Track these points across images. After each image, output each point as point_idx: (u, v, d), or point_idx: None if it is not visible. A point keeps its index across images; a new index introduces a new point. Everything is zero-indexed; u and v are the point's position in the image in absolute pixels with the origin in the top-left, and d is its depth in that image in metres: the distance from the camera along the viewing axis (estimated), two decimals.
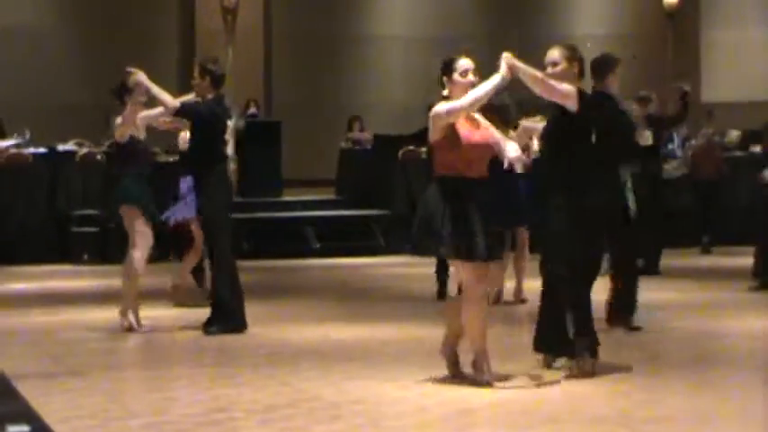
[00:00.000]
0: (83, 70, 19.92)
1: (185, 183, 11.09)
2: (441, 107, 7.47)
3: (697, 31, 23.31)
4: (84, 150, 16.70)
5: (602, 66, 9.66)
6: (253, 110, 19.67)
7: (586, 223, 7.59)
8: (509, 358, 8.05)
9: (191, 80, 10.14)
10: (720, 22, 23.40)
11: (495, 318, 10.15)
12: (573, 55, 7.86)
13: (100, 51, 19.90)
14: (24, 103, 18.50)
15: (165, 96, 9.80)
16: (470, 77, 7.58)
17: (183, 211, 11.19)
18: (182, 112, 9.85)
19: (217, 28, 20.83)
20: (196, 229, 11.07)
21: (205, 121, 9.88)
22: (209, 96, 9.94)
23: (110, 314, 10.24)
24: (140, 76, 9.80)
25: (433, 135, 7.45)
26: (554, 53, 7.88)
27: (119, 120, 9.92)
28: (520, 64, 7.60)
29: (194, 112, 9.91)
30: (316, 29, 21.65)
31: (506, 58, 7.58)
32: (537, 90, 7.69)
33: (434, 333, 9.79)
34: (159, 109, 9.99)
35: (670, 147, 19.39)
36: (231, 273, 9.80)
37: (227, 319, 9.70)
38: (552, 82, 7.69)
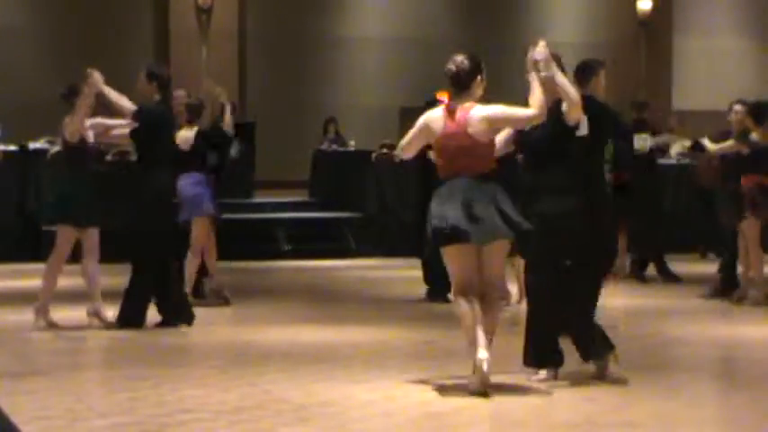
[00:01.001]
0: (56, 68, 19.81)
1: (186, 183, 11.11)
2: (511, 111, 7.46)
3: (669, 38, 23.43)
4: (56, 149, 16.60)
5: (586, 70, 9.68)
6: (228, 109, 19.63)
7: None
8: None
9: (137, 84, 10.14)
10: (693, 30, 23.53)
11: None
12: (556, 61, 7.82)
13: (73, 50, 19.83)
14: None
15: (123, 102, 9.88)
16: None
17: (184, 213, 11.15)
18: (139, 115, 9.86)
19: (191, 28, 20.80)
20: (196, 230, 11.14)
21: (158, 124, 9.95)
22: (156, 98, 10.03)
23: (78, 314, 10.21)
24: (97, 77, 9.80)
25: (486, 137, 7.39)
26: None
27: (67, 119, 9.95)
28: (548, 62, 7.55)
29: (152, 114, 9.93)
30: (290, 29, 21.64)
31: (543, 49, 7.54)
32: (562, 96, 7.63)
33: (403, 336, 9.83)
34: (115, 121, 10.04)
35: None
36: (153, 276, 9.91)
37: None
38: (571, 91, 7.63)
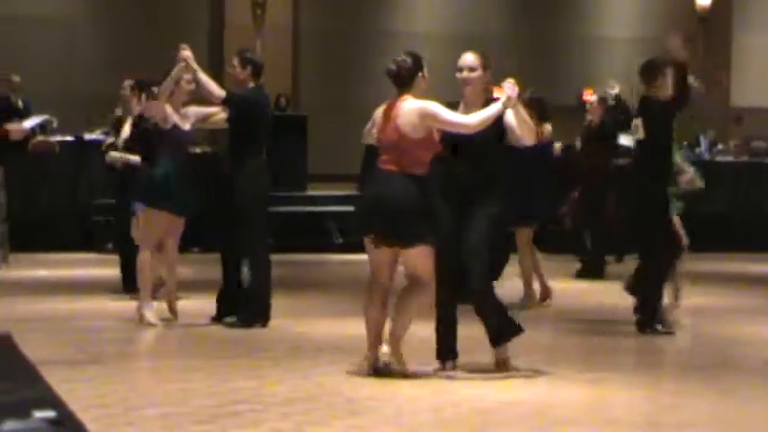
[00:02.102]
0: (112, 62, 19.97)
1: None
2: (445, 113, 7.49)
3: (728, 35, 23.22)
4: (110, 140, 16.74)
5: (651, 69, 9.71)
6: (282, 104, 19.72)
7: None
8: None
9: (229, 69, 9.91)
10: (752, 26, 23.30)
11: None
12: (487, 62, 7.82)
13: (129, 42, 19.99)
14: (54, 93, 18.58)
15: (212, 85, 9.60)
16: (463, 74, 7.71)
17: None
18: (228, 101, 9.65)
19: (246, 22, 20.88)
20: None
21: (251, 110, 9.75)
22: (250, 86, 9.84)
23: (131, 303, 10.28)
24: (188, 53, 9.54)
25: (417, 133, 7.44)
26: (471, 58, 7.82)
27: (152, 105, 9.80)
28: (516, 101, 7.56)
29: (242, 100, 9.74)
30: (344, 24, 21.67)
31: (510, 86, 7.53)
32: (518, 131, 7.64)
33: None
34: (212, 108, 9.83)
35: (697, 150, 19.35)
36: (263, 267, 9.77)
37: (251, 313, 9.71)
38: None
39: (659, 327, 9.63)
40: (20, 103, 17.09)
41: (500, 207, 7.72)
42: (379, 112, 7.78)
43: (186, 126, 9.82)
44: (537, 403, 6.89)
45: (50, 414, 3.75)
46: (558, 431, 6.30)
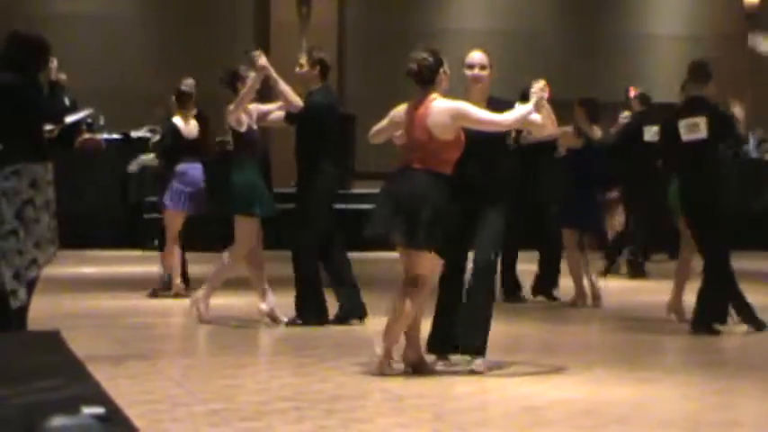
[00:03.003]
0: (159, 59, 20.09)
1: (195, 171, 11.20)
2: (478, 112, 7.47)
3: None
4: (157, 137, 16.84)
5: (705, 71, 9.73)
6: None
7: None
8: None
9: (296, 69, 9.74)
10: None
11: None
12: (491, 63, 7.87)
13: (175, 41, 20.09)
14: (102, 90, 18.71)
15: (291, 94, 9.49)
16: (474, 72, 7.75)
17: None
18: (307, 109, 9.53)
19: (291, 20, 20.92)
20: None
21: (326, 115, 9.67)
22: (317, 87, 9.71)
23: (177, 301, 10.32)
24: (265, 61, 9.49)
25: (446, 134, 7.41)
26: (483, 56, 7.84)
27: (231, 107, 9.70)
28: (545, 103, 7.56)
29: (320, 107, 9.62)
30: (390, 21, 21.66)
31: (541, 88, 7.49)
32: (544, 132, 7.74)
33: (502, 329, 9.78)
34: (272, 105, 9.77)
35: (744, 148, 19.21)
36: (314, 269, 9.77)
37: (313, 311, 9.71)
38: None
39: (717, 326, 9.57)
40: (67, 102, 17.21)
41: (509, 206, 7.75)
42: (398, 112, 7.69)
43: (255, 125, 9.80)
44: (585, 402, 6.85)
45: (99, 410, 3.76)
46: (605, 430, 6.25)
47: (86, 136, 15.49)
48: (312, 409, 6.51)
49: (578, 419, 6.44)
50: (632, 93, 14.67)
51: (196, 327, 9.66)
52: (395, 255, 7.78)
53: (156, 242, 15.85)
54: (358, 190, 18.57)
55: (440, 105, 7.47)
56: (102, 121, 16.81)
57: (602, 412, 6.66)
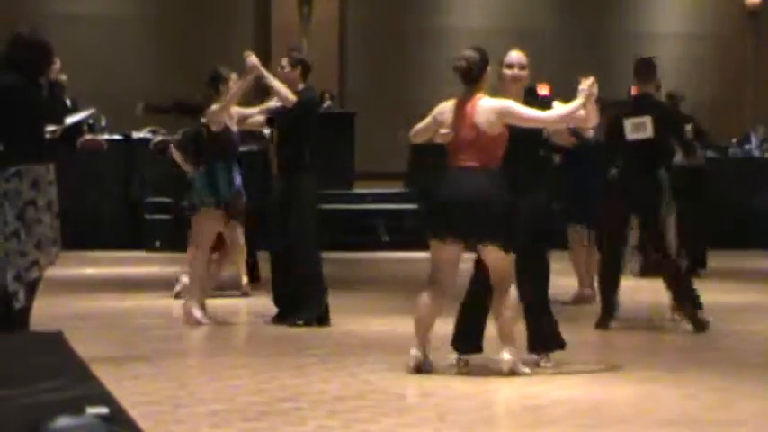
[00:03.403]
0: (159, 59, 20.11)
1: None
2: (524, 110, 7.53)
3: None
4: (159, 138, 16.86)
5: (651, 68, 9.80)
6: (328, 102, 19.73)
7: None
8: None
9: (278, 69, 9.86)
10: None
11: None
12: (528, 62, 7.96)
13: (176, 40, 20.10)
14: (102, 90, 18.70)
15: (285, 91, 9.54)
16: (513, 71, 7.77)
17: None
18: (299, 108, 9.61)
19: (292, 19, 20.93)
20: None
21: (312, 115, 9.77)
22: (300, 87, 9.80)
23: (180, 301, 10.33)
24: (255, 60, 9.56)
25: (495, 130, 7.46)
26: (521, 56, 7.91)
27: (214, 107, 9.77)
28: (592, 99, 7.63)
29: (312, 104, 9.74)
30: (391, 20, 21.67)
31: (591, 85, 7.53)
32: (587, 123, 7.79)
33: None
34: (253, 109, 9.87)
35: (747, 147, 19.22)
36: (315, 268, 9.79)
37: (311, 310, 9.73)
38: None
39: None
40: (68, 102, 17.22)
41: (545, 198, 7.78)
42: (442, 112, 7.66)
43: (234, 128, 9.85)
44: (587, 401, 6.85)
45: (103, 410, 3.77)
46: (608, 429, 6.26)
47: (88, 137, 15.52)
48: (314, 409, 6.52)
49: (580, 418, 6.44)
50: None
51: (198, 328, 9.67)
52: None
53: (158, 243, 15.90)
54: (358, 190, 18.57)
55: (486, 103, 7.53)
56: (103, 122, 16.82)
57: (604, 411, 6.67)
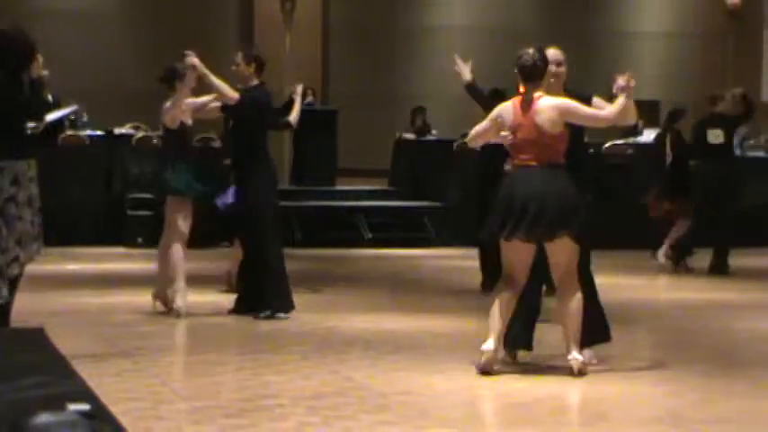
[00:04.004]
0: (141, 54, 20.05)
1: None
2: (583, 109, 7.61)
3: (759, 29, 23.09)
4: (141, 134, 16.82)
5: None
6: (309, 98, 19.71)
7: None
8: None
9: (232, 66, 10.02)
10: None
11: None
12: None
13: (158, 36, 20.04)
14: (83, 86, 18.63)
15: (224, 87, 9.73)
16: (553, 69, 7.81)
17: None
18: (242, 102, 9.78)
19: (275, 15, 20.90)
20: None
21: (261, 110, 9.91)
22: (253, 83, 9.94)
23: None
24: (195, 60, 9.73)
25: (556, 129, 7.52)
26: (558, 54, 7.94)
27: (167, 104, 9.91)
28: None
29: (254, 101, 9.88)
30: (374, 17, 21.66)
31: (628, 81, 7.59)
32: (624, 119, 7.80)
33: (483, 325, 9.79)
34: (207, 98, 10.01)
35: None
36: (276, 260, 9.87)
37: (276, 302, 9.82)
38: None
39: None
40: (50, 98, 17.15)
41: (589, 194, 7.85)
42: (501, 113, 7.64)
43: (189, 121, 9.97)
44: (571, 398, 6.87)
45: (85, 407, 3.75)
46: (591, 427, 6.27)
47: (69, 133, 15.45)
48: (295, 406, 6.52)
49: (564, 416, 6.46)
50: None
51: (179, 324, 9.65)
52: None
53: (141, 240, 15.85)
54: (341, 187, 18.56)
55: (546, 102, 7.56)
56: (85, 118, 16.76)
57: (587, 409, 6.68)
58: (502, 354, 7.67)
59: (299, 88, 11.49)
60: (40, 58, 8.06)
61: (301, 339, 8.95)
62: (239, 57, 9.98)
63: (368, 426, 6.06)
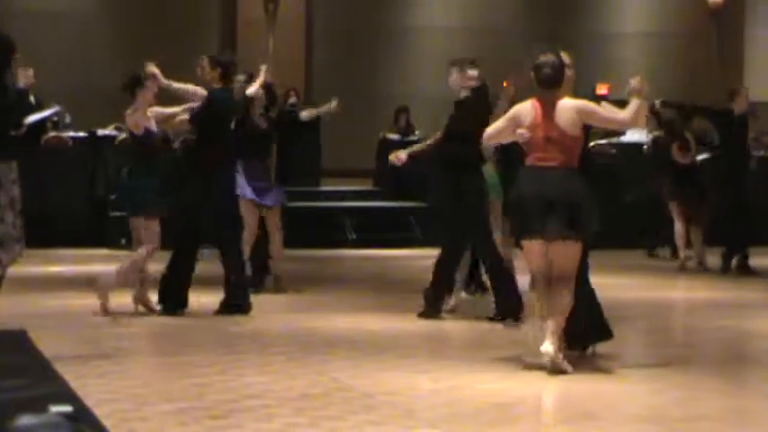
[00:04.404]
0: (124, 55, 19.97)
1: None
2: (602, 111, 7.68)
3: (741, 28, 23.16)
4: (123, 135, 16.75)
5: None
6: (293, 99, 19.68)
7: None
8: None
9: (197, 70, 10.20)
10: (765, 19, 23.22)
11: None
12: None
13: (142, 36, 19.97)
14: (66, 88, 18.58)
15: (189, 89, 9.94)
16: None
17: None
18: (209, 104, 9.91)
19: (258, 16, 20.86)
20: (246, 213, 11.22)
21: (227, 112, 10.01)
22: (218, 87, 10.08)
23: (150, 299, 10.28)
24: (154, 69, 9.84)
25: (575, 130, 7.56)
26: (565, 57, 8.01)
27: (129, 111, 10.00)
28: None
29: (221, 102, 9.99)
30: (357, 18, 21.64)
31: (641, 84, 7.65)
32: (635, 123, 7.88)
33: (468, 326, 9.79)
34: (174, 109, 10.09)
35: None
36: (240, 260, 10.16)
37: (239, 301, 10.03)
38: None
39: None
40: (32, 100, 17.09)
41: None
42: (519, 113, 7.67)
43: (155, 127, 10.09)
44: (554, 397, 6.87)
45: (67, 409, 3.74)
46: (574, 426, 6.27)
47: (52, 134, 15.41)
48: (281, 407, 6.50)
49: (547, 415, 6.46)
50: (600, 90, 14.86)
51: (162, 326, 9.62)
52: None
53: (124, 241, 15.79)
54: (325, 187, 18.54)
55: (567, 103, 7.62)
56: (68, 119, 16.70)
57: (570, 408, 6.68)
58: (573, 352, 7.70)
59: (264, 67, 11.49)
60: (31, 71, 8.10)
61: (286, 340, 8.94)
62: (205, 60, 10.17)
63: (354, 426, 6.05)
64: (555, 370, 7.36)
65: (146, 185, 9.98)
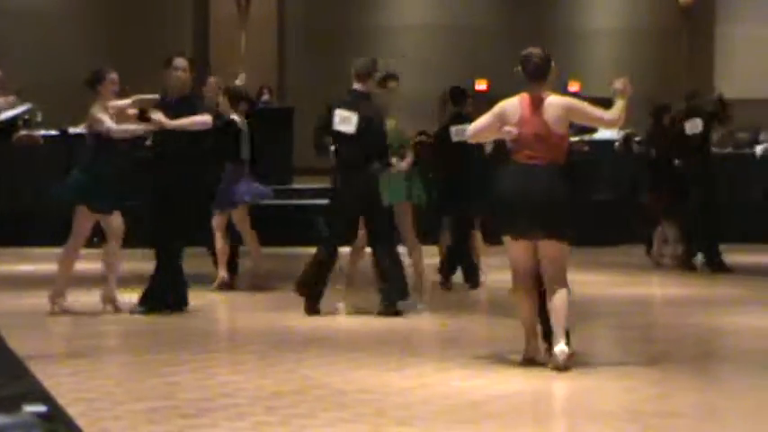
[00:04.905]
0: (96, 54, 19.90)
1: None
2: (589, 108, 7.69)
3: (712, 26, 23.28)
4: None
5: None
6: (266, 96, 19.66)
7: None
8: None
9: (176, 72, 10.08)
10: (736, 17, 23.35)
11: None
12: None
13: (114, 35, 19.92)
14: (40, 85, 18.51)
15: (194, 119, 9.90)
16: None
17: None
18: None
19: (230, 14, 20.83)
20: (236, 216, 11.25)
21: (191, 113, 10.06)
22: (188, 92, 10.14)
23: (118, 297, 10.25)
24: (161, 116, 9.87)
25: (563, 127, 7.57)
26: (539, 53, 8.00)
27: (93, 110, 10.00)
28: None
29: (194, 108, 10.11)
30: (328, 16, 21.64)
31: (625, 84, 7.70)
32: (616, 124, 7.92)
33: (440, 323, 9.80)
34: (127, 101, 10.09)
35: None
36: (173, 260, 10.08)
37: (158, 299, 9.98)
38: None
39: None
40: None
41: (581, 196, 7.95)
42: (504, 109, 7.65)
43: (114, 125, 10.03)
44: (527, 395, 6.88)
45: (41, 408, 3.72)
46: (548, 423, 6.29)
47: (23, 132, 15.31)
48: (253, 405, 6.49)
49: (520, 413, 6.47)
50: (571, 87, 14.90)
51: (134, 324, 9.60)
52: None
53: (96, 240, 15.73)
54: (297, 185, 18.52)
55: (554, 100, 7.61)
56: (39, 117, 16.64)
57: (543, 405, 6.70)
58: (544, 347, 7.69)
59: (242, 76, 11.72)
60: None
61: (257, 338, 8.93)
62: (185, 63, 10.10)
63: (326, 424, 6.05)
64: (566, 368, 7.38)
65: (99, 179, 9.95)
